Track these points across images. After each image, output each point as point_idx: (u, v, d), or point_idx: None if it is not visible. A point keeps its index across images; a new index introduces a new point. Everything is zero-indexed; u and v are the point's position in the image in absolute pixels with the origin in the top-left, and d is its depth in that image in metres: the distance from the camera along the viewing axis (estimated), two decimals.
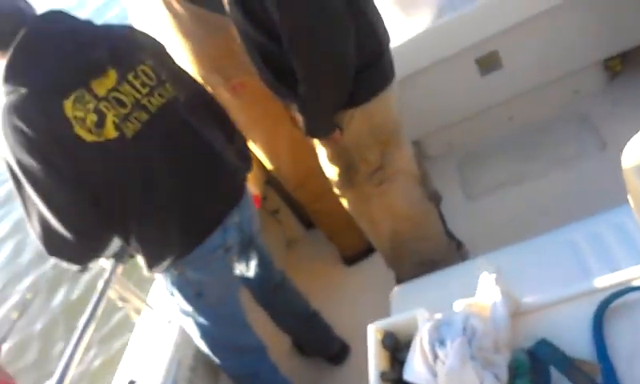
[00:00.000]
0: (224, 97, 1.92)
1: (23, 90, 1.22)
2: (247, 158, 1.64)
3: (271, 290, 1.81)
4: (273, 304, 1.84)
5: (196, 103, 1.46)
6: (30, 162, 1.21)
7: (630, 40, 2.18)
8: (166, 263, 1.40)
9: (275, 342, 1.87)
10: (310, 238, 2.57)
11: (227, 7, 1.43)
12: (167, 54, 1.48)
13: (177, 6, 1.78)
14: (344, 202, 1.69)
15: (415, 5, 2.20)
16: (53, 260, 1.37)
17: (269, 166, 2.17)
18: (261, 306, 1.84)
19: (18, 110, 1.20)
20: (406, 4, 2.26)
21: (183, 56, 1.85)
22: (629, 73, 2.31)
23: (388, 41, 1.51)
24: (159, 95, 1.35)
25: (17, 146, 1.21)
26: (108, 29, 1.39)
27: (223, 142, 1.51)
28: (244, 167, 1.59)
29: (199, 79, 1.84)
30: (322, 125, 1.47)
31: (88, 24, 1.36)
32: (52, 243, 1.32)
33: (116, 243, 1.44)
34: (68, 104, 1.22)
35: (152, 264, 1.41)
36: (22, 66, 1.24)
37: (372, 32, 1.44)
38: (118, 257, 1.59)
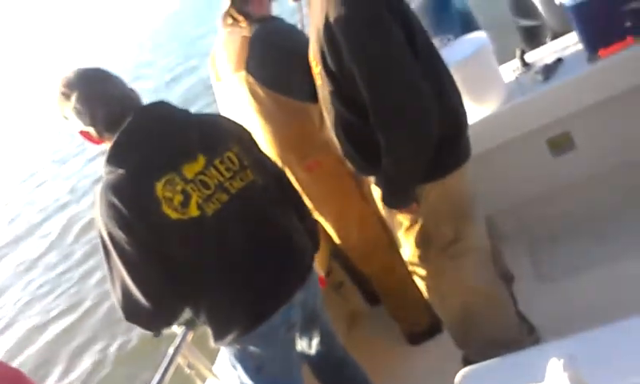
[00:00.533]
0: (299, 174, 2.05)
1: (121, 171, 1.38)
2: (316, 238, 1.71)
3: (332, 366, 1.80)
4: (333, 381, 1.82)
5: (273, 186, 1.58)
6: (119, 234, 1.35)
7: None
8: (230, 337, 1.46)
9: None
10: (374, 313, 2.54)
11: (318, 84, 1.53)
12: (251, 139, 1.63)
13: (260, 92, 1.98)
14: (416, 276, 1.70)
15: (486, 88, 2.24)
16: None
17: (337, 239, 2.23)
18: (321, 383, 1.82)
19: (114, 188, 1.36)
20: (477, 88, 2.31)
21: (264, 136, 2.02)
22: None
23: (466, 119, 1.57)
24: (240, 179, 1.48)
25: (110, 220, 1.35)
26: (200, 117, 1.57)
27: (295, 223, 1.60)
28: (313, 247, 1.67)
29: (277, 157, 2.00)
30: (401, 196, 1.51)
31: (183, 112, 1.54)
32: (131, 310, 1.43)
33: (188, 312, 1.53)
34: (159, 185, 1.37)
35: (218, 337, 1.48)
36: (123, 150, 1.41)
37: (452, 110, 1.51)
38: (190, 324, 1.67)
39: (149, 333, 1.54)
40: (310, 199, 2.08)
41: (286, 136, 2.02)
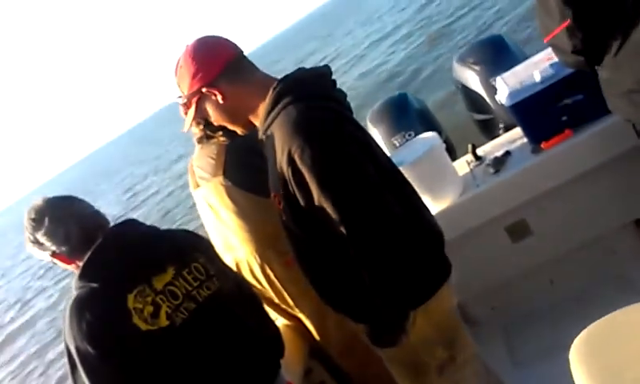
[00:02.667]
0: (277, 271, 2.11)
1: (94, 285, 1.45)
2: (281, 341, 1.75)
3: None
4: None
5: (236, 293, 1.66)
6: (87, 349, 1.39)
7: None
8: None
9: None
10: None
11: (282, 223, 1.47)
12: (214, 251, 1.73)
13: (237, 194, 2.08)
14: None
15: (441, 183, 2.38)
16: None
17: (316, 335, 2.26)
18: None
19: (85, 303, 1.43)
20: (433, 184, 2.44)
21: (242, 236, 2.09)
22: None
23: (442, 234, 1.52)
24: (207, 287, 1.56)
25: (78, 333, 1.40)
26: (168, 232, 1.68)
27: (260, 327, 1.67)
28: (278, 350, 1.71)
29: (256, 255, 2.07)
30: (393, 333, 1.44)
31: (152, 228, 1.65)
32: None
33: None
34: (131, 297, 1.44)
35: None
36: (96, 266, 1.48)
37: (429, 227, 1.48)
38: None
39: None
40: (290, 295, 2.14)
41: (264, 233, 2.07)
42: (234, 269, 2.09)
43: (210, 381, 1.49)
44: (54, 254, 1.55)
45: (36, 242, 1.55)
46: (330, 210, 1.29)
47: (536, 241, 2.35)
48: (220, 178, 2.09)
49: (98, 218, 1.59)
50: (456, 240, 2.32)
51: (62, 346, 1.48)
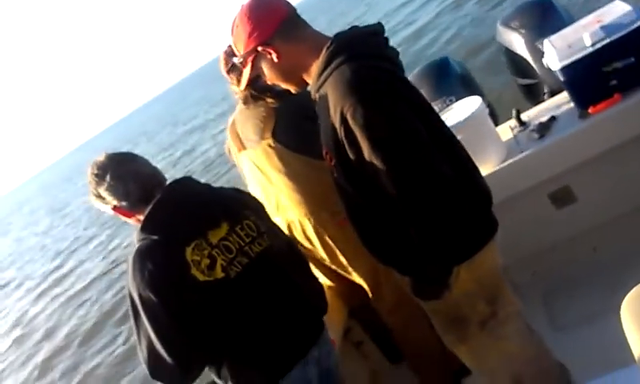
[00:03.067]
0: (331, 230, 2.14)
1: (155, 237, 1.54)
2: (324, 299, 1.81)
3: None
4: None
5: (286, 252, 1.74)
6: (149, 296, 1.48)
7: None
8: None
9: None
10: (395, 371, 2.59)
11: (334, 181, 1.51)
12: (264, 210, 1.80)
13: (288, 156, 2.11)
14: (461, 357, 1.65)
15: (484, 149, 2.37)
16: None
17: (369, 291, 2.29)
18: None
19: (147, 253, 1.52)
20: (476, 149, 2.42)
21: (294, 197, 2.13)
22: None
23: (490, 193, 1.54)
24: (258, 244, 1.64)
25: (141, 282, 1.49)
26: (221, 190, 1.75)
27: (307, 284, 1.75)
28: (323, 308, 1.78)
29: (310, 216, 2.12)
30: (436, 288, 1.46)
31: (206, 186, 1.72)
32: (155, 367, 1.54)
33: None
34: (189, 250, 1.52)
35: None
36: (156, 220, 1.57)
37: (477, 187, 1.50)
38: None
39: None
40: (344, 255, 2.18)
41: (317, 194, 2.10)
42: (286, 230, 2.14)
43: (260, 332, 1.57)
44: (115, 208, 1.64)
45: (98, 196, 1.64)
46: (380, 167, 1.31)
47: (580, 208, 2.33)
48: (270, 140, 2.10)
49: (156, 175, 1.67)
50: (498, 205, 2.30)
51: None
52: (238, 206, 1.70)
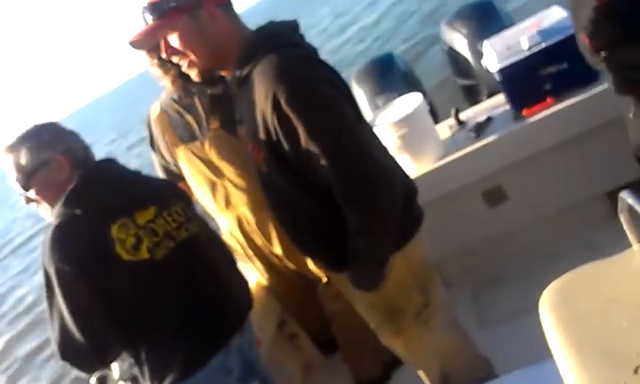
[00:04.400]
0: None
1: (78, 212, 1.47)
2: (249, 294, 1.78)
3: None
4: None
5: (212, 241, 1.71)
6: (67, 270, 1.40)
7: (631, 173, 2.29)
8: (169, 380, 1.50)
9: None
10: (329, 364, 2.59)
11: (261, 176, 1.49)
12: (191, 200, 1.77)
13: (239, 146, 1.91)
14: (396, 349, 1.67)
15: (422, 145, 2.39)
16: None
17: (322, 277, 2.22)
18: None
19: (68, 227, 1.44)
20: (415, 145, 2.46)
21: (250, 188, 1.98)
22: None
23: (413, 182, 1.59)
24: (185, 230, 1.60)
25: (60, 256, 1.40)
26: (151, 177, 1.72)
27: (230, 275, 1.72)
28: (246, 301, 1.74)
29: (263, 208, 1.93)
30: (376, 276, 1.46)
31: (135, 171, 1.69)
32: (67, 348, 1.45)
33: (123, 365, 1.57)
34: (114, 227, 1.47)
35: (157, 380, 1.51)
36: (81, 194, 1.50)
37: (403, 176, 1.54)
38: (135, 380, 1.69)
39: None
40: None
41: None
42: (237, 227, 2.08)
43: (182, 317, 1.52)
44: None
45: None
46: (317, 152, 1.30)
47: (511, 207, 2.40)
48: (219, 131, 1.99)
49: (87, 149, 1.61)
50: (433, 203, 2.35)
51: None
52: (166, 192, 1.67)
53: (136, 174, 1.68)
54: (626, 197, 0.77)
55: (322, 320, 2.47)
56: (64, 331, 1.44)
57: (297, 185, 1.42)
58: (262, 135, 1.37)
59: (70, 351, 1.46)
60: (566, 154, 2.28)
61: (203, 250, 1.64)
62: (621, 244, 2.17)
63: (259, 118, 1.35)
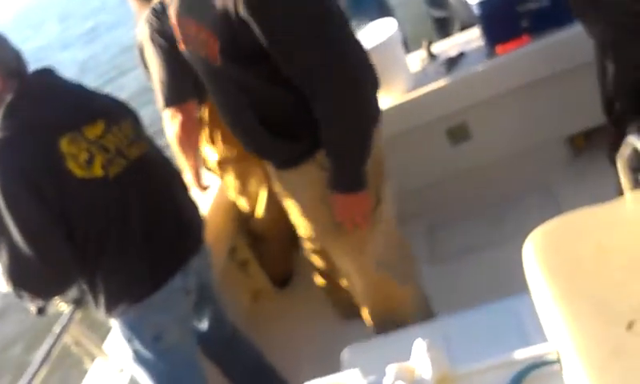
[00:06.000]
0: None
1: (23, 125, 1.33)
2: (200, 215, 1.71)
3: (222, 343, 1.82)
4: (222, 358, 1.84)
5: (162, 161, 1.63)
6: (15, 189, 1.28)
7: (591, 119, 2.29)
8: (125, 306, 1.44)
9: None
10: (278, 293, 2.58)
11: (218, 62, 1.40)
12: (139, 119, 1.63)
13: None
14: (335, 252, 1.67)
15: (392, 76, 2.29)
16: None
17: None
18: (211, 360, 1.83)
19: (12, 142, 1.31)
20: (384, 75, 2.35)
21: None
22: (591, 150, 2.41)
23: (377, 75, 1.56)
24: (137, 148, 1.50)
25: (6, 176, 1.28)
26: (95, 91, 1.57)
27: (183, 194, 1.64)
28: (200, 222, 1.68)
29: None
30: (360, 175, 1.43)
31: (79, 83, 1.54)
32: (19, 273, 1.34)
33: (74, 290, 1.48)
34: (64, 141, 1.34)
35: (111, 306, 1.44)
36: (22, 107, 1.36)
37: (371, 67, 1.51)
38: (77, 303, 1.61)
39: (33, 309, 1.47)
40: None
41: None
42: None
43: (138, 237, 1.44)
44: None
45: None
46: (291, 40, 1.29)
47: (473, 145, 2.37)
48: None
49: (23, 60, 1.44)
50: (398, 136, 2.29)
51: None
52: (114, 107, 1.55)
53: (80, 87, 1.54)
54: (632, 142, 0.72)
55: (282, 252, 2.45)
56: (15, 256, 1.31)
57: (258, 76, 1.37)
58: (220, 24, 1.31)
59: (22, 277, 1.35)
60: (533, 96, 2.24)
61: (156, 168, 1.56)
62: (579, 189, 2.23)
63: (219, 6, 1.29)
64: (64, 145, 1.34)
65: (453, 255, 2.35)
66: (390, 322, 1.71)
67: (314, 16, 1.30)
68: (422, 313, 1.78)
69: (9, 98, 1.35)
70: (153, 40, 1.80)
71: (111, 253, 1.40)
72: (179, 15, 1.45)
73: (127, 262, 1.42)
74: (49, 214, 1.31)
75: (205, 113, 2.08)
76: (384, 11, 2.80)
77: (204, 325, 1.72)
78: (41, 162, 1.31)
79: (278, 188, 1.71)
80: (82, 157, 1.35)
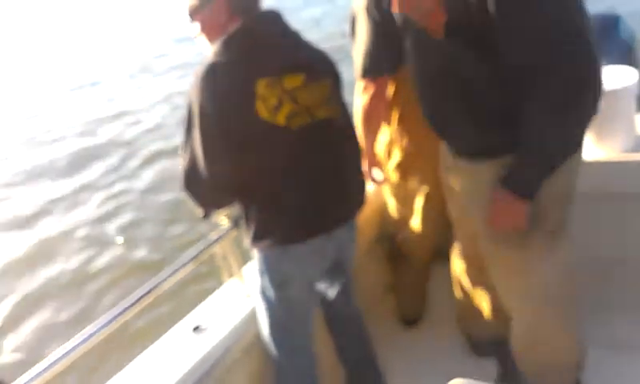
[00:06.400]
0: None
1: (231, 58, 1.46)
2: (364, 195, 1.72)
3: (342, 318, 1.85)
4: (338, 331, 1.87)
5: (346, 129, 1.66)
6: (210, 109, 1.43)
7: None
8: (269, 242, 1.53)
9: (328, 368, 1.88)
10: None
11: (440, 36, 1.38)
12: (341, 83, 1.67)
13: None
14: (506, 268, 1.60)
15: (613, 131, 2.04)
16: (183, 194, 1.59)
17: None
18: (327, 328, 1.87)
19: (220, 68, 1.45)
20: (607, 123, 2.10)
21: None
22: None
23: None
24: (326, 109, 1.55)
25: (206, 93, 1.43)
26: (309, 44, 1.63)
27: (354, 169, 1.67)
28: (360, 199, 1.70)
29: None
30: (537, 180, 1.36)
31: (296, 33, 1.61)
32: (191, 181, 1.53)
33: (236, 211, 1.62)
34: (262, 83, 1.44)
35: (257, 239, 1.55)
36: (241, 40, 1.49)
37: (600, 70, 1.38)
38: (236, 223, 1.76)
39: (198, 211, 1.66)
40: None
41: None
42: None
43: (297, 191, 1.51)
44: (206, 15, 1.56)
45: None
46: (525, 25, 1.22)
47: None
48: None
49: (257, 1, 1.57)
50: (597, 194, 2.05)
51: None
52: (320, 65, 1.60)
53: (296, 36, 1.61)
54: None
55: (419, 283, 2.40)
56: (193, 165, 1.49)
57: (482, 59, 1.32)
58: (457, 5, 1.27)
59: (193, 184, 1.53)
60: None
61: (336, 135, 1.60)
62: None
63: None
64: (260, 86, 1.44)
65: (610, 343, 2.06)
66: (546, 365, 1.62)
67: (562, 6, 1.22)
68: (579, 369, 1.65)
69: (231, 30, 1.49)
70: (368, 10, 1.80)
71: (270, 193, 1.50)
72: None
73: (281, 207, 1.51)
74: (229, 143, 1.44)
75: (390, 90, 2.01)
76: (630, 59, 2.50)
77: (331, 293, 1.76)
78: (235, 96, 1.43)
79: (454, 182, 1.66)
80: (270, 102, 1.44)
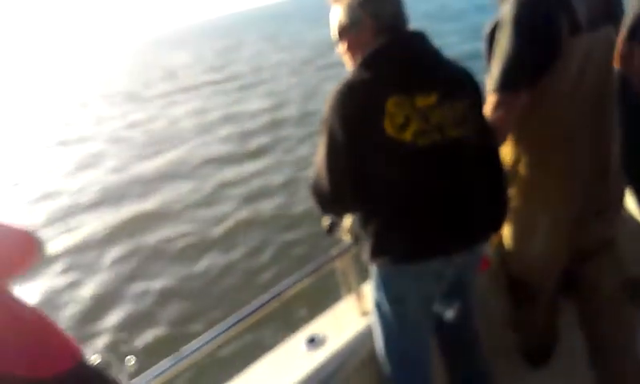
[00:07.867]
0: None
1: (367, 77, 1.49)
2: (500, 221, 1.65)
3: (458, 343, 1.79)
4: (453, 356, 1.81)
5: (482, 153, 1.59)
6: (336, 124, 1.48)
7: None
8: (386, 258, 1.53)
9: None
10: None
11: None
12: (481, 104, 1.62)
13: None
14: None
15: None
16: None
17: None
18: (442, 352, 1.81)
19: (353, 86, 1.49)
20: None
21: None
22: None
23: None
24: (459, 129, 1.51)
25: (337, 109, 1.49)
26: (450, 62, 1.59)
27: (486, 193, 1.60)
28: (492, 225, 1.63)
29: None
30: None
31: (437, 52, 1.59)
32: (316, 187, 1.58)
33: (357, 228, 1.64)
34: (392, 101, 1.45)
35: (374, 254, 1.55)
36: (379, 59, 1.52)
37: None
38: (357, 239, 1.78)
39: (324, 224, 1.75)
40: None
41: None
42: None
43: (420, 210, 1.49)
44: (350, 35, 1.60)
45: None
46: None
47: None
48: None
49: (401, 17, 1.58)
50: None
51: None
52: (457, 85, 1.56)
53: (437, 56, 1.59)
54: None
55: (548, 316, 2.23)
56: (319, 172, 1.55)
57: None
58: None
59: (316, 190, 1.59)
60: None
61: (466, 156, 1.53)
62: None
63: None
64: (390, 104, 1.44)
65: None
66: None
67: None
68: None
69: (377, 45, 1.51)
70: (518, 21, 1.64)
71: (392, 210, 1.50)
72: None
73: (402, 224, 1.49)
74: (352, 156, 1.47)
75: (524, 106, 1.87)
76: None
77: (448, 315, 1.71)
78: (365, 114, 1.45)
79: None
80: (398, 119, 1.44)
